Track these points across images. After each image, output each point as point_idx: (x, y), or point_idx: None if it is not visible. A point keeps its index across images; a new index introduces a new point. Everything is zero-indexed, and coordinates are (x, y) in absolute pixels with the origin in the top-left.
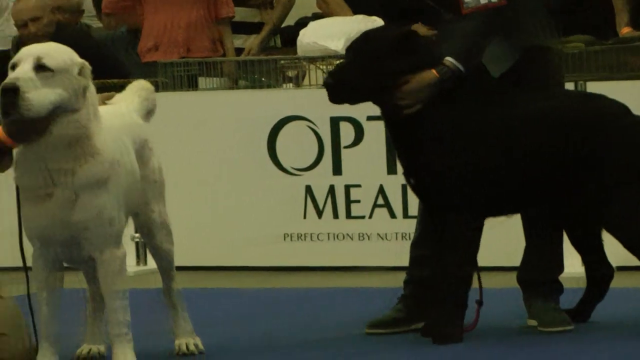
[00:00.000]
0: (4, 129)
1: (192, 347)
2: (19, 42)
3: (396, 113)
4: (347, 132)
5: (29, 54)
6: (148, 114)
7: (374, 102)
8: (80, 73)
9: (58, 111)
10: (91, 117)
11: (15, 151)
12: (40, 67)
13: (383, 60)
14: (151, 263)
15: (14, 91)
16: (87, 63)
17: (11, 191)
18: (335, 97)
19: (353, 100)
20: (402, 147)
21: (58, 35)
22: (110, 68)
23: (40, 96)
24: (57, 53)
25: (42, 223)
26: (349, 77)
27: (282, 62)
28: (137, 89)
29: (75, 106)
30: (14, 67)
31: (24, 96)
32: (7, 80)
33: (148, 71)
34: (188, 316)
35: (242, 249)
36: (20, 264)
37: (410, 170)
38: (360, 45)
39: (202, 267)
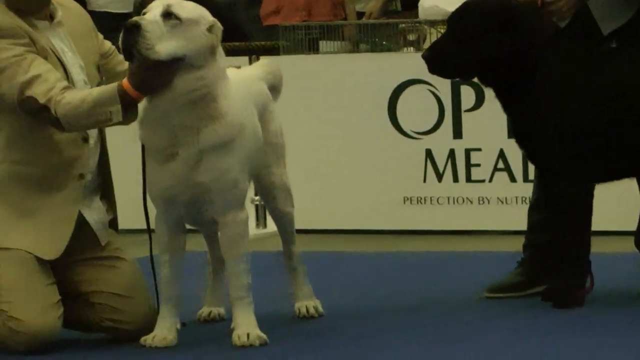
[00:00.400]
0: (129, 78)
1: (312, 310)
2: (142, 4)
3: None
4: (468, 96)
5: (160, 2)
6: (273, 89)
7: (477, 78)
8: (209, 30)
9: (181, 64)
10: (217, 79)
11: (140, 109)
12: (168, 15)
13: (479, 39)
14: (271, 226)
15: (136, 28)
16: (218, 23)
17: (136, 154)
18: (433, 70)
19: (449, 76)
20: (511, 113)
21: None
22: (231, 31)
23: (162, 39)
24: (188, 5)
25: (166, 183)
26: (446, 52)
27: (403, 25)
28: (264, 63)
29: (200, 63)
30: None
31: (145, 35)
32: (130, 20)
33: (269, 35)
34: (308, 279)
35: (362, 212)
36: (144, 226)
37: (521, 136)
38: (459, 17)
39: (322, 230)
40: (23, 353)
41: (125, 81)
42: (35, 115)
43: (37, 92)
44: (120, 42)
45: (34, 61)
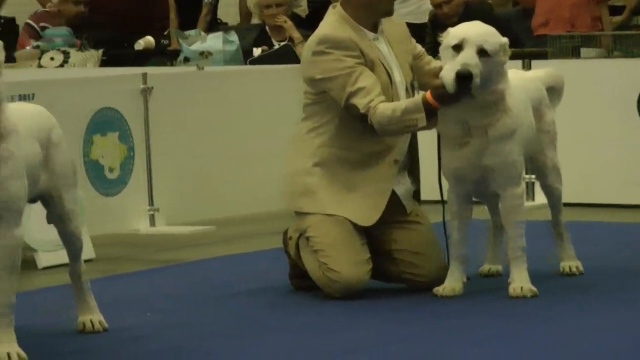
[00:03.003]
0: (432, 91)
1: (574, 269)
2: (434, 19)
3: None
4: None
5: (472, 40)
6: (552, 90)
7: None
8: (504, 52)
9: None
10: (506, 86)
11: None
12: (482, 52)
13: None
14: (538, 199)
15: (469, 78)
16: (507, 41)
17: (433, 142)
18: None
19: None
20: None
21: (467, 14)
22: (509, 40)
23: (481, 79)
24: (492, 38)
25: (457, 165)
26: None
27: None
28: (548, 69)
29: (496, 80)
30: (456, 47)
31: (475, 82)
32: (461, 68)
33: (539, 43)
34: (571, 244)
35: (611, 189)
36: (439, 198)
37: None
38: None
39: (581, 204)
40: (339, 299)
41: (428, 94)
42: (357, 119)
43: (359, 102)
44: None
45: (362, 74)
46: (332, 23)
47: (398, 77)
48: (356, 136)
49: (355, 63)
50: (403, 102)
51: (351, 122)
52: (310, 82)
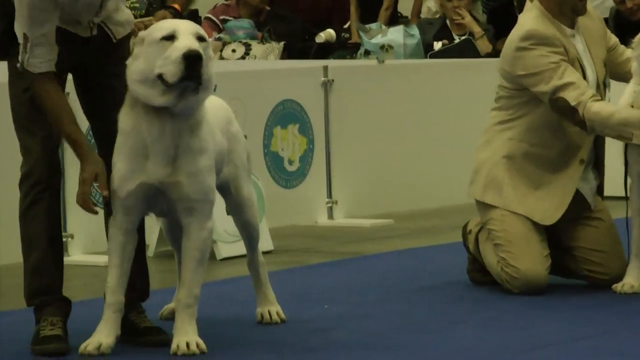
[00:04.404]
0: None
1: None
2: (616, 15)
3: None
4: None
5: None
6: None
7: None
8: None
9: None
10: None
11: None
12: None
13: None
14: None
15: None
16: None
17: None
18: None
19: None
20: None
21: None
22: None
23: None
24: None
25: None
26: None
27: None
28: None
29: None
30: None
31: None
32: None
33: None
34: None
35: None
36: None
37: None
38: None
39: None
40: (517, 294)
41: None
42: (562, 113)
43: (569, 95)
44: None
45: (567, 69)
46: (534, 18)
47: (591, 74)
48: (548, 134)
49: (560, 59)
50: (624, 111)
51: (545, 119)
52: (510, 78)
